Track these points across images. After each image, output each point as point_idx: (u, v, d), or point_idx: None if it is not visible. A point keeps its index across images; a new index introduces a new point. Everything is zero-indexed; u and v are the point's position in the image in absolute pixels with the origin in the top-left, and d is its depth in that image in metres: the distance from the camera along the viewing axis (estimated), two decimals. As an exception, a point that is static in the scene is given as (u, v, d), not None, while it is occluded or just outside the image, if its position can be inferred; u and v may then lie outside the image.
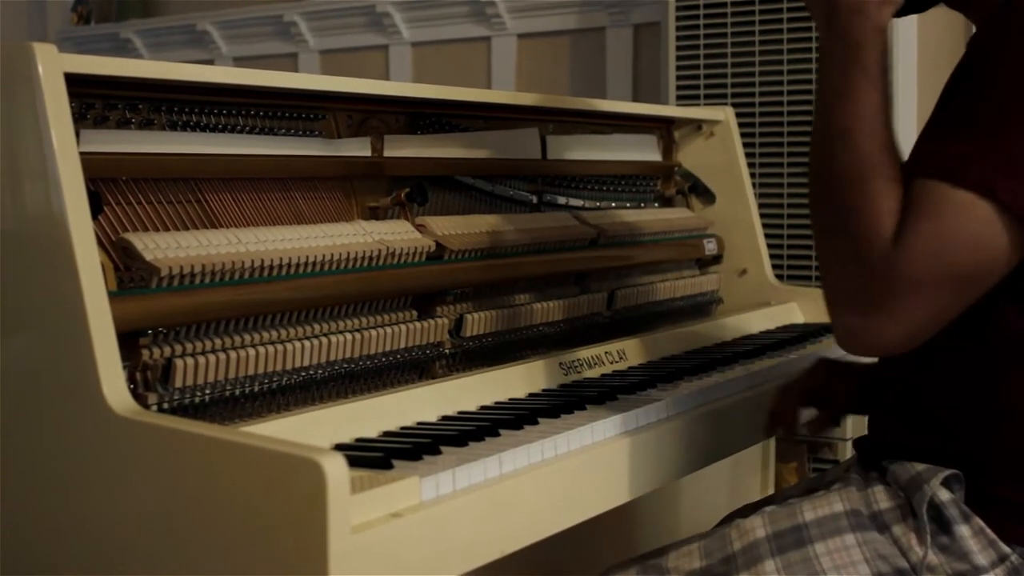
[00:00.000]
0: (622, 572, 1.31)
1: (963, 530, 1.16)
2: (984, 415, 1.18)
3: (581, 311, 1.84)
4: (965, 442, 1.19)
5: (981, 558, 1.14)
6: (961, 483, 1.18)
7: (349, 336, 1.42)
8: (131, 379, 1.19)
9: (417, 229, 1.58)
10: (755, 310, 2.14)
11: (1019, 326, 1.14)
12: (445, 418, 1.41)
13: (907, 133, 2.68)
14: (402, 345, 1.49)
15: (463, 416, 1.41)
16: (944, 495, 1.17)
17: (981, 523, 1.16)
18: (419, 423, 1.37)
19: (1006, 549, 1.14)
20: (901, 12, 1.21)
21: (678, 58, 2.98)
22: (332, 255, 1.42)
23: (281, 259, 1.35)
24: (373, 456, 1.18)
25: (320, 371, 1.38)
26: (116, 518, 1.09)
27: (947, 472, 1.18)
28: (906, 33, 2.83)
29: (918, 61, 2.85)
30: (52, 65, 1.12)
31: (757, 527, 1.24)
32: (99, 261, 1.12)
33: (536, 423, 1.36)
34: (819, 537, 1.20)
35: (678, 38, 2.97)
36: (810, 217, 1.21)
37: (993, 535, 1.15)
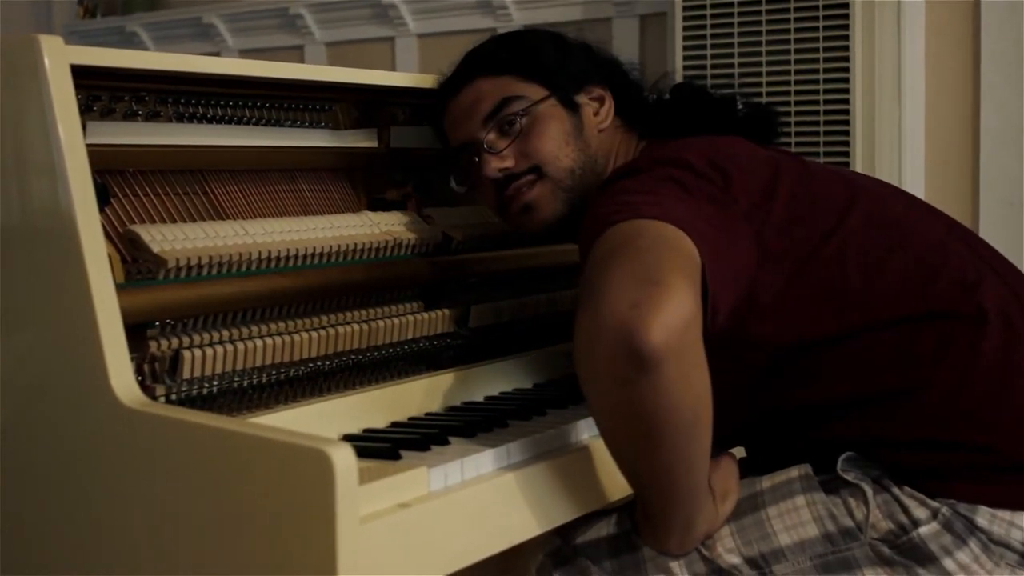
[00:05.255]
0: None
1: (899, 491, 1.21)
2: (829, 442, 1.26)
3: (588, 302, 1.83)
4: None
5: (918, 512, 1.19)
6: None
7: (356, 327, 1.41)
8: (139, 371, 1.19)
9: (424, 220, 1.57)
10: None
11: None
12: (453, 409, 1.41)
13: (914, 133, 2.69)
14: (409, 336, 1.48)
15: (471, 407, 1.41)
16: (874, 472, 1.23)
17: (911, 489, 1.21)
18: (427, 414, 1.37)
19: (935, 504, 1.19)
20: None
21: (685, 48, 2.97)
22: (339, 246, 1.42)
23: (288, 250, 1.35)
24: (381, 447, 1.18)
25: (327, 362, 1.38)
26: (124, 509, 1.09)
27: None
28: (911, 27, 2.82)
29: (924, 59, 2.84)
30: (58, 57, 1.12)
31: None
32: (106, 253, 1.12)
33: (544, 414, 1.36)
34: (772, 501, 1.25)
35: (684, 28, 2.97)
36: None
37: (921, 496, 1.20)
